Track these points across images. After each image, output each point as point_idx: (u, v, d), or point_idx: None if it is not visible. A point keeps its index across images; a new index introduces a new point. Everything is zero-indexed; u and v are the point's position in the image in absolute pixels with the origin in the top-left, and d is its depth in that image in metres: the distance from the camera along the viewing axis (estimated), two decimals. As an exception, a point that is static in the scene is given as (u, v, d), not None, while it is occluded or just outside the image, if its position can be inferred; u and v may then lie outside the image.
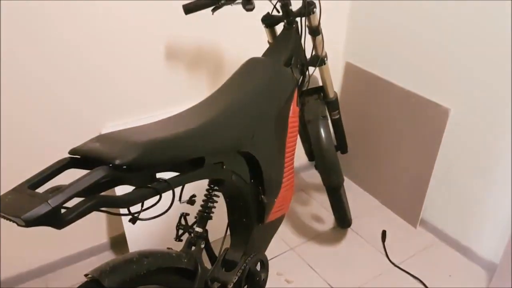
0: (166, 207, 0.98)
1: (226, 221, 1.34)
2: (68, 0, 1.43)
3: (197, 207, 1.79)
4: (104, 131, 1.67)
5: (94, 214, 1.82)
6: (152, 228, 1.78)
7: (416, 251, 1.96)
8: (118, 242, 1.92)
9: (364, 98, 2.21)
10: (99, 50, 1.56)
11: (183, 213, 1.28)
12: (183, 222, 1.28)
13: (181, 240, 1.23)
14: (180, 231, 1.29)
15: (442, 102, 1.85)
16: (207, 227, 1.22)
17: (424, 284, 1.78)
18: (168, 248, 1.09)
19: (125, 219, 1.75)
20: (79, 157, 0.82)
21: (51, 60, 1.49)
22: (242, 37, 1.86)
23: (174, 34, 1.69)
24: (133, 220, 0.90)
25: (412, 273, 1.83)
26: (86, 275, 0.86)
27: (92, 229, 1.85)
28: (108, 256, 1.89)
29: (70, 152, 0.82)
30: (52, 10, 1.42)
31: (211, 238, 1.26)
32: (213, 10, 1.42)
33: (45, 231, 1.73)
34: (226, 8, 1.74)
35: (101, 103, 1.64)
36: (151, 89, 1.74)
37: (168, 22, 1.66)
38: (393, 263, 1.88)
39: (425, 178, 1.98)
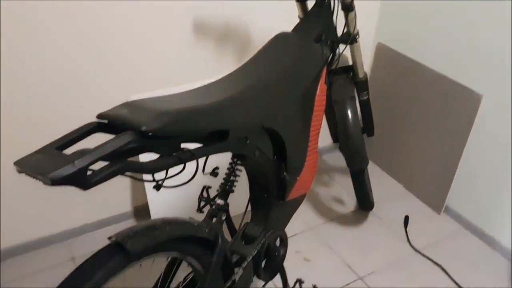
0: (189, 179, 0.99)
1: (247, 197, 1.34)
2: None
3: (219, 180, 1.80)
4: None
5: (119, 183, 1.85)
6: (174, 199, 1.81)
7: (439, 238, 1.93)
8: (141, 211, 1.96)
9: (394, 80, 2.16)
10: (128, 22, 1.56)
11: (205, 185, 1.29)
12: (205, 194, 1.29)
13: (202, 212, 1.24)
14: (202, 203, 1.30)
15: (475, 87, 1.79)
16: (228, 202, 1.23)
17: (445, 271, 1.75)
18: (190, 218, 1.10)
19: (149, 189, 1.78)
20: (106, 121, 0.83)
21: (81, 28, 1.50)
22: (271, 12, 1.84)
23: (203, 7, 1.68)
24: (157, 187, 0.91)
25: (434, 259, 1.81)
26: (109, 238, 0.88)
27: (117, 197, 1.89)
28: (130, 225, 1.93)
29: (98, 117, 0.83)
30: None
31: (232, 213, 1.27)
32: None
33: (70, 197, 1.77)
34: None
35: (128, 75, 1.66)
36: (178, 62, 1.74)
37: (198, -6, 1.64)
38: (414, 249, 1.86)
39: (453, 164, 1.94)
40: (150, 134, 0.78)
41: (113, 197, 1.88)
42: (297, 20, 1.64)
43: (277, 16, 1.85)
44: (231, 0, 1.72)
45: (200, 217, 1.64)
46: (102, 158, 0.73)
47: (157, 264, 1.16)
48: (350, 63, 1.73)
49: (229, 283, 1.18)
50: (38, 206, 1.71)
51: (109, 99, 1.66)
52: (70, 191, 1.75)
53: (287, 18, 1.85)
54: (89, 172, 0.72)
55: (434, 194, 2.07)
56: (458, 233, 1.96)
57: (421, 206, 2.12)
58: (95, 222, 1.88)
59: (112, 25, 1.54)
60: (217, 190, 1.24)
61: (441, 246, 1.89)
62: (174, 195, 1.81)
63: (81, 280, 0.81)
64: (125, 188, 1.89)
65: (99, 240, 1.84)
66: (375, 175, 2.32)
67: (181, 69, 1.76)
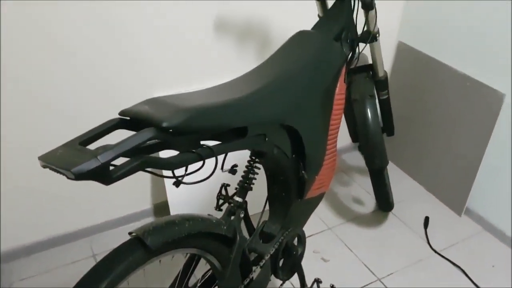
0: (209, 175, 0.99)
1: (265, 196, 1.35)
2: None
3: (237, 178, 1.81)
4: (152, 100, 1.71)
5: (139, 180, 1.88)
6: (193, 197, 1.82)
7: (459, 239, 1.90)
8: (160, 209, 1.98)
9: (415, 79, 2.13)
10: (148, 21, 1.58)
11: (224, 183, 1.29)
12: (223, 192, 1.30)
13: (221, 210, 1.25)
14: (220, 201, 1.31)
15: (497, 86, 1.76)
16: (246, 200, 1.23)
17: (465, 273, 1.72)
18: (209, 215, 1.11)
19: (168, 187, 1.80)
20: (128, 118, 0.84)
21: (101, 30, 1.52)
22: (291, 11, 1.84)
23: (223, 6, 1.69)
24: (177, 183, 0.92)
25: (453, 261, 1.78)
26: (130, 233, 0.89)
27: (137, 195, 1.91)
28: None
29: (120, 113, 0.84)
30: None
31: (250, 212, 1.27)
32: None
33: (91, 194, 1.80)
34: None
35: (149, 73, 1.68)
36: (199, 60, 1.75)
37: (218, -7, 1.65)
38: (434, 250, 1.84)
39: (474, 165, 1.90)
40: (171, 130, 0.79)
41: (133, 195, 1.90)
42: (316, 19, 1.63)
43: (297, 14, 1.85)
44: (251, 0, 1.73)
45: (219, 215, 1.65)
46: (124, 154, 0.74)
47: (176, 261, 1.17)
48: (370, 61, 1.71)
49: (247, 282, 1.18)
50: (60, 203, 1.75)
51: (130, 96, 1.68)
52: (91, 188, 1.78)
53: (307, 17, 1.85)
54: (111, 168, 0.73)
55: (455, 195, 2.04)
56: (478, 235, 1.93)
57: (441, 207, 2.09)
58: (116, 219, 1.91)
59: (134, 23, 1.56)
60: (236, 188, 1.25)
61: (461, 247, 1.86)
62: (193, 193, 1.82)
63: (102, 274, 0.83)
64: (145, 185, 1.91)
65: (120, 237, 1.86)
66: (395, 175, 2.29)
67: (202, 66, 1.77)
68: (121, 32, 1.56)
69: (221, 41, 1.76)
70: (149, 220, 1.97)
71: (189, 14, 1.64)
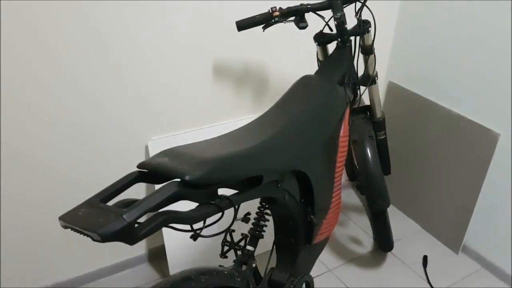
0: (227, 227, 0.97)
1: (269, 237, 1.32)
2: (122, 21, 1.46)
3: (240, 223, 1.77)
4: (150, 144, 1.68)
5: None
6: (191, 242, 1.77)
7: (459, 278, 1.89)
8: (156, 254, 1.91)
9: (407, 119, 2.17)
10: (147, 65, 1.58)
11: (229, 229, 1.26)
12: (228, 238, 1.26)
13: (226, 257, 1.21)
14: (226, 248, 1.27)
15: (491, 126, 1.80)
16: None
17: (470, 315, 1.71)
18: (220, 266, 1.07)
19: (165, 230, 1.74)
20: (146, 171, 0.82)
21: (99, 72, 1.51)
22: (288, 56, 1.86)
23: (223, 51, 1.70)
24: (195, 236, 0.89)
25: (457, 302, 1.76)
26: (146, 291, 0.85)
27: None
28: (145, 268, 1.88)
29: (139, 166, 0.82)
30: (106, 31, 1.45)
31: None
32: (264, 28, 1.42)
33: (83, 241, 1.73)
34: (275, 26, 1.74)
35: (147, 117, 1.65)
36: (197, 104, 1.74)
37: (217, 39, 1.66)
38: (436, 291, 1.82)
39: (470, 203, 1.92)
40: (194, 183, 0.77)
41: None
42: (315, 63, 1.66)
43: (295, 59, 1.87)
44: (250, 43, 1.75)
45: (221, 261, 1.60)
46: (149, 210, 0.71)
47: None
48: (367, 103, 1.74)
49: (257, 333, 1.14)
50: (51, 252, 1.67)
51: (128, 142, 1.65)
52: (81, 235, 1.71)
53: (305, 61, 1.87)
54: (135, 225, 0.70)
55: (452, 233, 2.04)
56: (477, 273, 1.92)
57: (439, 245, 2.08)
58: (109, 266, 1.83)
59: (131, 67, 1.55)
60: (242, 235, 1.22)
61: (461, 286, 1.84)
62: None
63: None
64: (140, 230, 1.85)
65: (114, 286, 1.79)
66: (391, 214, 2.28)
67: (201, 110, 1.76)
68: (117, 77, 1.55)
69: (220, 85, 1.76)
70: (144, 266, 1.90)
71: (188, 58, 1.64)
